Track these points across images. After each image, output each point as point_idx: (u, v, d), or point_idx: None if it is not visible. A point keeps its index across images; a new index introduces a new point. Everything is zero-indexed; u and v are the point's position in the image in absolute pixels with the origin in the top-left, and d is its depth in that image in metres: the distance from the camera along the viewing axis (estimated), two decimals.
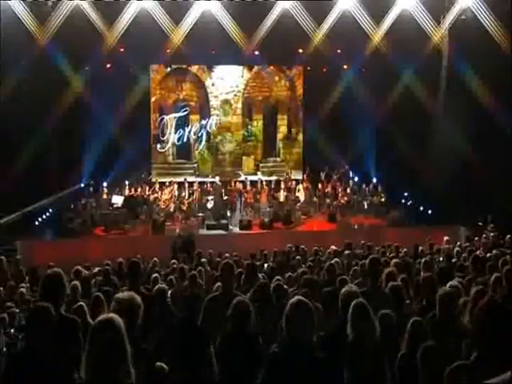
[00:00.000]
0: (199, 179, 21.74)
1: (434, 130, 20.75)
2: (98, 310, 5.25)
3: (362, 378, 3.96)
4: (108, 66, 20.83)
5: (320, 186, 21.26)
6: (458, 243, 12.96)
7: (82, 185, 20.91)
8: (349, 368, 4.06)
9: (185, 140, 22.73)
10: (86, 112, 20.19)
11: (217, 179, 20.27)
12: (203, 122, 22.84)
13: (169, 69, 22.65)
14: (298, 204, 20.18)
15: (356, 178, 21.97)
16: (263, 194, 20.13)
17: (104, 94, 19.26)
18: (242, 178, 22.11)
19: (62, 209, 19.86)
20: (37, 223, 18.68)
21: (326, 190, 21.04)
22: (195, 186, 20.50)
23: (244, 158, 23.18)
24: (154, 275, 8.95)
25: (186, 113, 22.73)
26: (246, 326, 4.31)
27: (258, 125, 23.44)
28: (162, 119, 22.66)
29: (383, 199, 20.57)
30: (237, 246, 15.52)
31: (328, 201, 20.67)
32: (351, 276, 8.42)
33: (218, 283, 6.81)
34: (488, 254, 9.99)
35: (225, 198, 19.75)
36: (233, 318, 4.32)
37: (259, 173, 22.93)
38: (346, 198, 20.70)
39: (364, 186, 21.06)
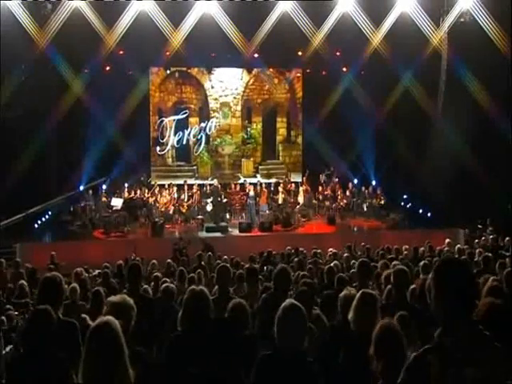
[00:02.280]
0: (198, 182, 21.75)
1: (434, 132, 20.77)
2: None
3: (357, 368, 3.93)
4: (107, 68, 20.86)
5: (320, 188, 21.27)
6: (458, 246, 12.96)
7: (81, 188, 20.86)
8: (347, 357, 4.04)
9: (184, 142, 22.75)
10: (86, 114, 20.21)
11: (215, 182, 20.28)
12: (202, 124, 22.86)
13: (168, 71, 22.68)
14: (298, 206, 20.19)
15: (355, 181, 21.99)
16: (263, 197, 20.13)
17: (103, 96, 19.26)
18: (241, 180, 22.12)
19: (62, 211, 19.87)
20: (36, 226, 18.69)
21: (326, 193, 21.06)
22: (194, 189, 20.49)
23: (243, 160, 23.20)
24: (165, 283, 8.87)
25: (185, 115, 22.76)
26: (244, 328, 4.31)
27: (257, 127, 23.47)
28: (162, 122, 22.68)
29: (382, 202, 20.58)
30: (236, 248, 15.55)
31: (327, 203, 20.69)
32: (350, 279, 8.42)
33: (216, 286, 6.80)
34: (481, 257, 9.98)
35: (224, 200, 19.74)
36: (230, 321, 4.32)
37: (258, 175, 22.95)
38: (345, 201, 20.72)
39: (363, 188, 21.08)
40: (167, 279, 8.79)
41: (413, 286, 6.26)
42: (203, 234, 18.05)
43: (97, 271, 11.42)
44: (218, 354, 3.57)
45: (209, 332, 3.68)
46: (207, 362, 3.51)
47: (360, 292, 4.19)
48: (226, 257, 12.85)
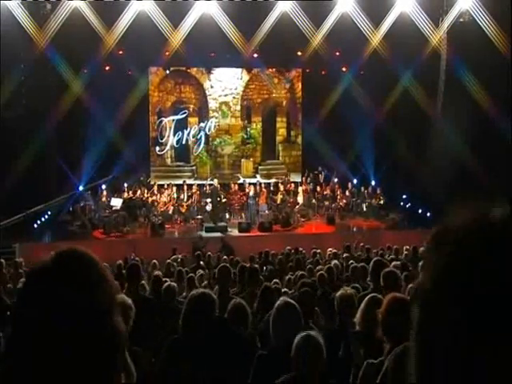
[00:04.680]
0: (198, 182, 21.72)
1: (433, 132, 20.78)
2: None
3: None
4: (107, 68, 20.84)
5: (319, 188, 21.26)
6: None
7: (81, 187, 20.82)
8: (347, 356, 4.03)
9: (183, 142, 22.72)
10: (86, 114, 20.18)
11: (214, 182, 20.26)
12: (202, 124, 22.83)
13: (168, 71, 22.65)
14: (297, 206, 20.19)
15: (355, 181, 21.98)
16: (262, 197, 20.12)
17: (103, 96, 19.24)
18: (241, 180, 22.10)
19: (61, 211, 19.85)
20: (36, 226, 18.67)
21: (325, 193, 21.05)
22: (194, 189, 20.48)
23: (243, 160, 23.17)
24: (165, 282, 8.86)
25: (184, 115, 22.73)
26: (243, 328, 4.31)
27: (257, 127, 23.44)
28: (161, 122, 22.65)
29: (382, 202, 20.57)
30: (236, 248, 15.55)
31: (327, 203, 20.68)
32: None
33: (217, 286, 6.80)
34: None
35: (224, 200, 19.74)
36: (230, 321, 4.32)
37: (258, 175, 22.91)
38: (344, 201, 20.72)
39: (363, 188, 21.07)
40: (167, 279, 8.78)
41: (410, 286, 6.28)
42: (203, 234, 18.05)
43: None
44: (217, 354, 3.55)
45: (208, 332, 3.67)
46: (206, 362, 3.49)
47: (368, 296, 4.18)
48: (225, 257, 12.86)
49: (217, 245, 15.88)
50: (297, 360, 3.30)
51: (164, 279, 8.64)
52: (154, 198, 20.15)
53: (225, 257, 13.39)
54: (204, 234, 18.07)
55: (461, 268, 0.73)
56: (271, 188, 21.50)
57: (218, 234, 18.00)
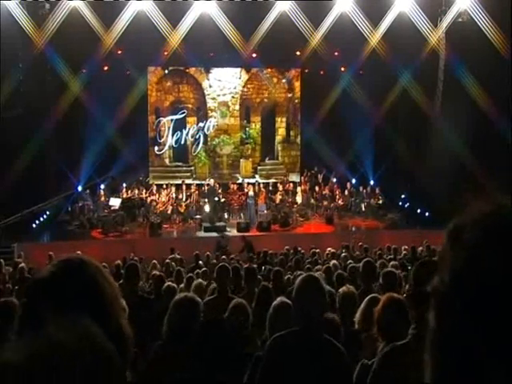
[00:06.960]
0: (197, 182, 21.69)
1: (432, 132, 20.78)
2: None
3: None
4: (106, 68, 20.82)
5: (317, 188, 21.25)
6: None
7: (79, 187, 20.82)
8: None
9: (182, 142, 22.68)
10: (84, 114, 20.16)
11: (211, 181, 20.23)
12: (201, 124, 22.78)
13: (166, 71, 22.60)
14: (296, 206, 20.19)
15: (354, 181, 21.98)
16: (261, 197, 20.12)
17: (102, 96, 19.22)
18: (240, 180, 22.08)
19: (60, 211, 19.84)
20: (34, 226, 18.65)
21: (324, 193, 21.05)
22: (193, 189, 20.46)
23: (242, 160, 23.13)
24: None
25: (183, 115, 22.68)
26: (244, 328, 4.30)
27: (256, 127, 23.40)
28: (160, 121, 22.61)
29: (381, 202, 20.59)
30: (235, 248, 15.55)
31: (326, 203, 20.68)
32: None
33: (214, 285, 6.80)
34: None
35: (222, 200, 19.73)
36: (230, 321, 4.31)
37: (257, 175, 22.87)
38: (343, 200, 20.73)
39: (361, 188, 21.08)
40: (165, 279, 8.77)
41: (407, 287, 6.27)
42: (202, 234, 18.06)
43: None
44: (206, 358, 3.52)
45: (194, 336, 3.64)
46: (193, 366, 3.46)
47: (369, 297, 4.17)
48: (224, 256, 12.86)
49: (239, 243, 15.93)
50: (298, 297, 3.26)
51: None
52: (153, 197, 20.15)
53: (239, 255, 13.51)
54: (203, 233, 18.08)
55: (482, 263, 0.68)
56: (270, 188, 21.48)
57: (216, 234, 18.02)
